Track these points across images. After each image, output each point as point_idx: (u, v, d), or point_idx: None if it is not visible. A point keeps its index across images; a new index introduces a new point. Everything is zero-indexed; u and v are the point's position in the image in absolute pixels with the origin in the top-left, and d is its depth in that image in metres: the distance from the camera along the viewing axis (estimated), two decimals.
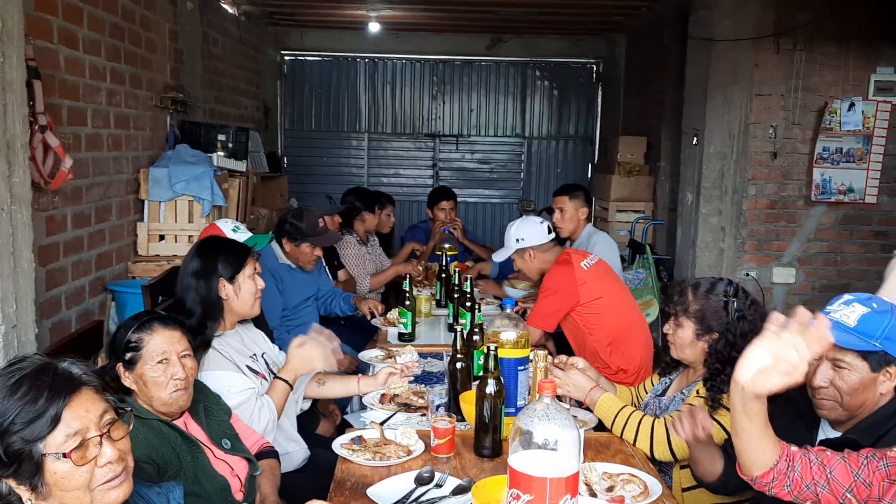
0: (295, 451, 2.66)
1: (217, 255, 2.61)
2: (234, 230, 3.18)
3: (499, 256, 3.85)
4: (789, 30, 5.48)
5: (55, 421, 1.31)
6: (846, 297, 1.92)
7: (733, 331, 2.31)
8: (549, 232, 3.69)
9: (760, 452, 1.73)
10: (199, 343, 2.39)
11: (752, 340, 2.25)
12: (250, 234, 3.23)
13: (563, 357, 2.61)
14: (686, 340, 2.40)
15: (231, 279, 2.58)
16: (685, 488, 2.30)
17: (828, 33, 5.51)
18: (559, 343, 3.75)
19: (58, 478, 1.31)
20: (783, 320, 1.57)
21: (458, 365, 2.58)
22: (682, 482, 2.30)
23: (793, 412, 2.06)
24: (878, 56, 5.58)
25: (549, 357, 2.59)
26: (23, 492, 1.31)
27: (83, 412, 1.34)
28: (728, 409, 2.21)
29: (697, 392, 2.37)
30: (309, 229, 3.85)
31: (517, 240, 3.65)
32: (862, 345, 1.81)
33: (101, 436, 1.35)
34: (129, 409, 1.47)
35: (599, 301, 3.41)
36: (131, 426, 1.44)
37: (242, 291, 2.60)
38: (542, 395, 1.53)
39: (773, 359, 1.53)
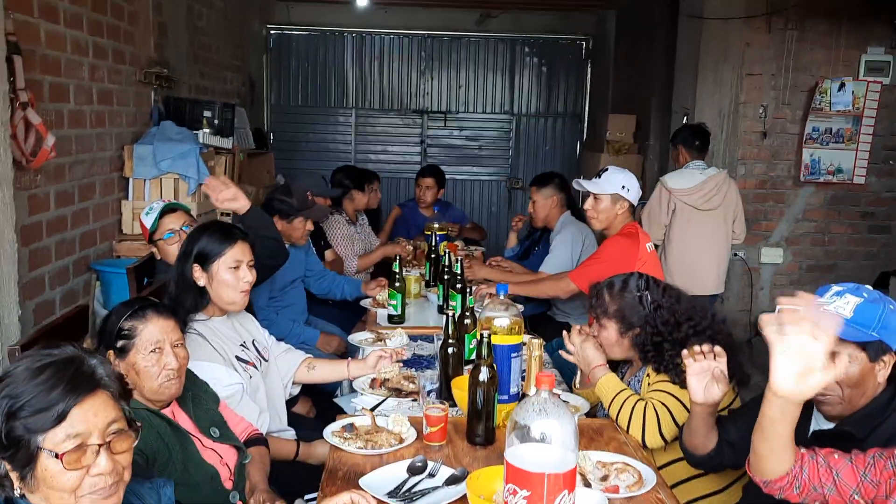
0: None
1: (199, 238, 2.48)
2: None
3: (597, 187, 3.46)
4: (781, 9, 5.44)
5: (61, 417, 1.29)
6: (835, 288, 1.90)
7: (652, 322, 2.39)
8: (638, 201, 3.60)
9: (784, 459, 1.72)
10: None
11: (674, 324, 2.29)
12: None
13: (587, 327, 2.59)
14: (612, 340, 2.48)
15: (205, 265, 2.44)
16: (659, 466, 2.31)
17: (819, 12, 5.49)
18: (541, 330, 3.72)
19: (47, 475, 1.30)
20: (775, 318, 1.54)
21: (450, 350, 2.55)
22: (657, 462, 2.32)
23: None
24: (870, 36, 5.56)
25: (543, 345, 2.57)
26: (14, 478, 1.30)
27: (91, 416, 1.32)
28: None
29: (648, 375, 2.40)
30: (300, 204, 3.81)
31: (623, 187, 3.43)
32: (861, 335, 1.80)
33: (100, 445, 1.32)
34: (139, 424, 1.42)
35: None
36: (136, 440, 1.39)
37: (217, 281, 2.44)
38: (540, 389, 1.51)
39: (803, 358, 1.52)
